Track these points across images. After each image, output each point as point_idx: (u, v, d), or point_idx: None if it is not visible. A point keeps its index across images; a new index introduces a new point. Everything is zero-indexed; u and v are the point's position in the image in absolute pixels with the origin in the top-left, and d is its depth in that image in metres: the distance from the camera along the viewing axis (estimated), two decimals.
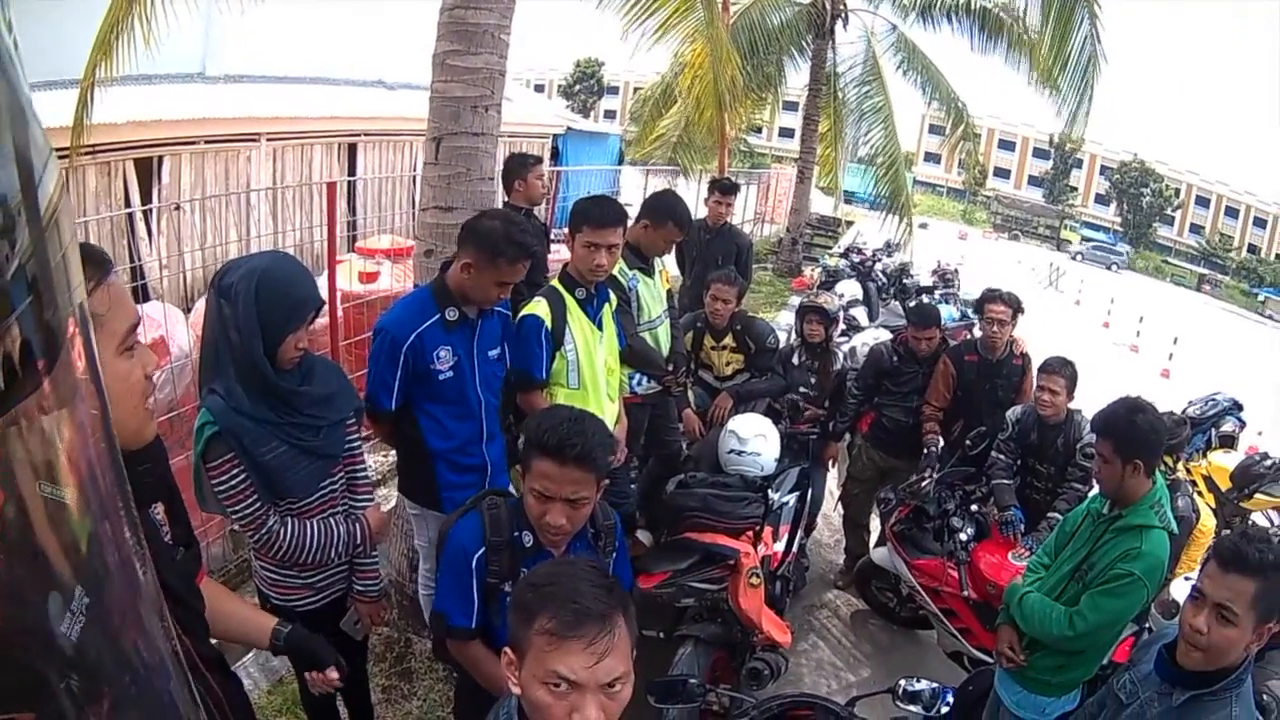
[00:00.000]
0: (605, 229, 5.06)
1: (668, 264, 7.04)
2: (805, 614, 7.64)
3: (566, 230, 5.40)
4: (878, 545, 7.57)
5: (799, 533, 6.67)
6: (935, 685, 4.12)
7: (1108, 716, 3.60)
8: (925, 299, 14.66)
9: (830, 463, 8.37)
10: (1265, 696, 4.34)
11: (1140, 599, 4.28)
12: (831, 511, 8.96)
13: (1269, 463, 9.94)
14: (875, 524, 7.97)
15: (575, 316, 5.20)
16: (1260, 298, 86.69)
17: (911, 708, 4.07)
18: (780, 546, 6.18)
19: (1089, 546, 4.49)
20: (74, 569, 1.38)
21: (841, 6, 22.82)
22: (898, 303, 16.15)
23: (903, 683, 4.12)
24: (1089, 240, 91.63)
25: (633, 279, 6.20)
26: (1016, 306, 7.42)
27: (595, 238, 5.05)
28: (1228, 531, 7.15)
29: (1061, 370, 6.53)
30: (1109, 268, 77.81)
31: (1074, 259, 76.39)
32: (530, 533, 3.38)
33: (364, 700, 4.84)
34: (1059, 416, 6.62)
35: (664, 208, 6.31)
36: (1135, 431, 4.28)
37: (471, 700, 3.45)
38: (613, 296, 5.60)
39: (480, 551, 3.38)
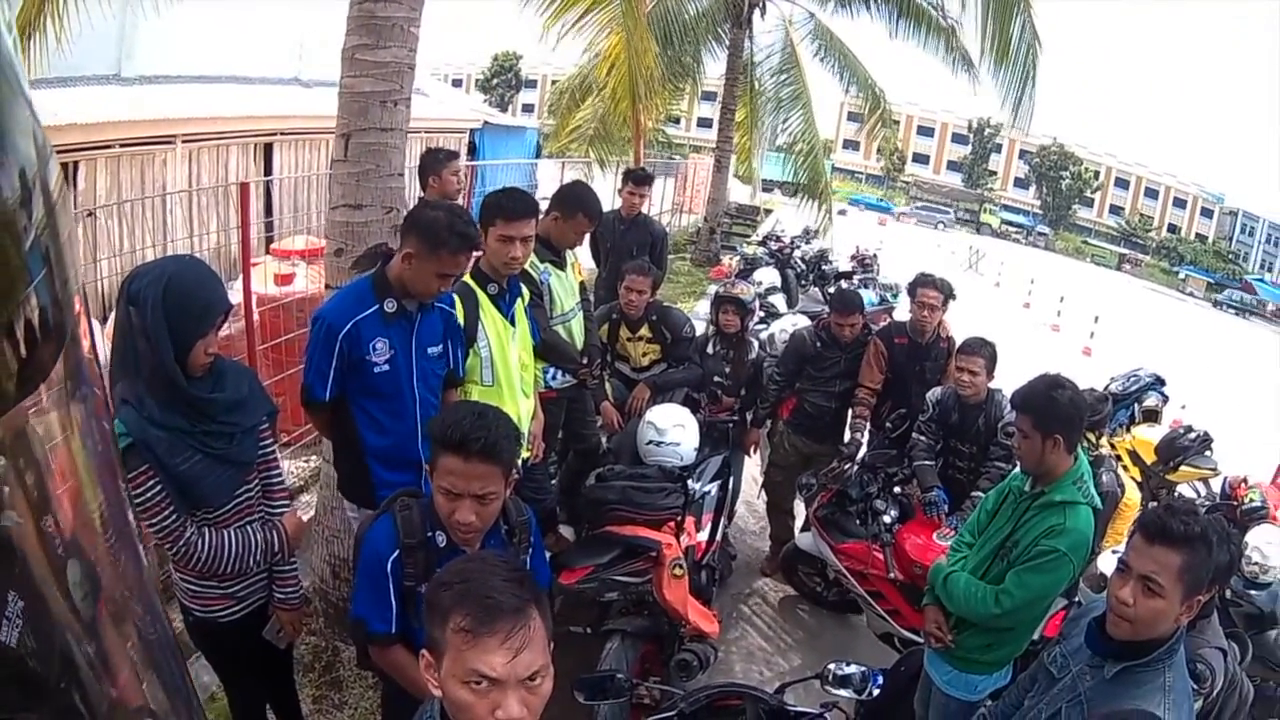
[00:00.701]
0: (519, 221, 4.99)
1: (580, 256, 6.99)
2: (733, 603, 7.63)
3: (479, 225, 5.24)
4: (803, 531, 7.62)
5: (722, 521, 6.66)
6: (865, 668, 4.11)
7: (1040, 691, 3.59)
8: (844, 284, 14.77)
9: (751, 450, 8.38)
10: (1199, 665, 4.36)
11: (1066, 575, 4.30)
12: (755, 499, 8.95)
13: (1193, 435, 10.12)
14: (800, 509, 7.95)
15: (488, 312, 5.13)
16: (1181, 275, 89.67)
17: (841, 691, 4.05)
18: (703, 536, 6.18)
19: (1012, 524, 4.51)
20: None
21: None
22: (817, 289, 16.38)
23: (832, 667, 4.09)
24: (1009, 224, 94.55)
25: (544, 272, 6.15)
26: (948, 292, 7.49)
27: (509, 230, 4.96)
28: (1154, 504, 7.24)
29: (980, 350, 6.58)
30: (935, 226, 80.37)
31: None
32: (443, 532, 3.34)
33: (294, 712, 4.75)
34: (979, 396, 6.66)
35: (574, 199, 6.29)
36: (1055, 407, 4.31)
37: (398, 706, 3.42)
38: (525, 291, 5.53)
39: (395, 554, 3.34)
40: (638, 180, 9.90)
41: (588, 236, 7.48)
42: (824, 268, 17.43)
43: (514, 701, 2.11)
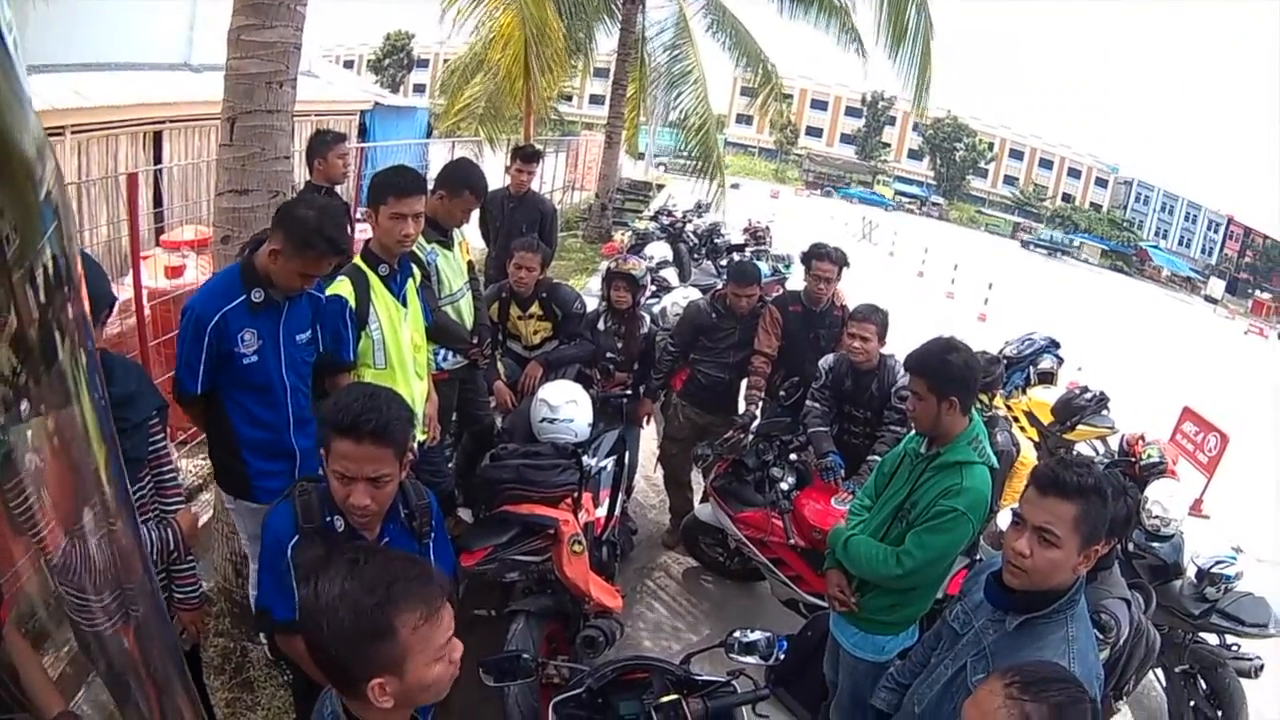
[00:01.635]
0: (410, 197, 4.95)
1: (470, 236, 6.96)
2: (637, 577, 7.67)
3: (367, 208, 5.26)
4: (702, 502, 7.66)
5: (620, 496, 6.67)
6: (769, 634, 4.12)
7: (945, 648, 3.64)
8: (736, 257, 14.77)
9: (645, 423, 8.39)
10: (1103, 616, 4.47)
11: (965, 534, 4.36)
12: (653, 473, 8.98)
13: (1089, 395, 10.46)
14: (698, 481, 8.05)
15: (379, 294, 5.08)
16: (1076, 243, 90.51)
17: (747, 658, 4.07)
18: (602, 512, 6.19)
19: (909, 486, 4.56)
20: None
21: None
22: (709, 263, 16.41)
23: (736, 634, 4.11)
24: (903, 194, 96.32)
25: (431, 253, 6.12)
26: (842, 262, 7.53)
27: (401, 207, 4.92)
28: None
29: (871, 317, 6.65)
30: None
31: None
32: (341, 517, 3.32)
33: (208, 716, 4.62)
34: (872, 362, 6.72)
35: (459, 176, 6.25)
36: (949, 369, 4.37)
37: (309, 697, 3.30)
38: (416, 271, 5.50)
39: (294, 540, 3.32)
40: (526, 157, 9.87)
41: (476, 215, 7.44)
42: (716, 241, 17.47)
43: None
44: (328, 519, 3.35)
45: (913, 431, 4.79)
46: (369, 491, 3.15)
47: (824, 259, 7.43)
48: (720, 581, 7.83)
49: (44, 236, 1.18)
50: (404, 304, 5.25)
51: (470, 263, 6.72)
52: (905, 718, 3.79)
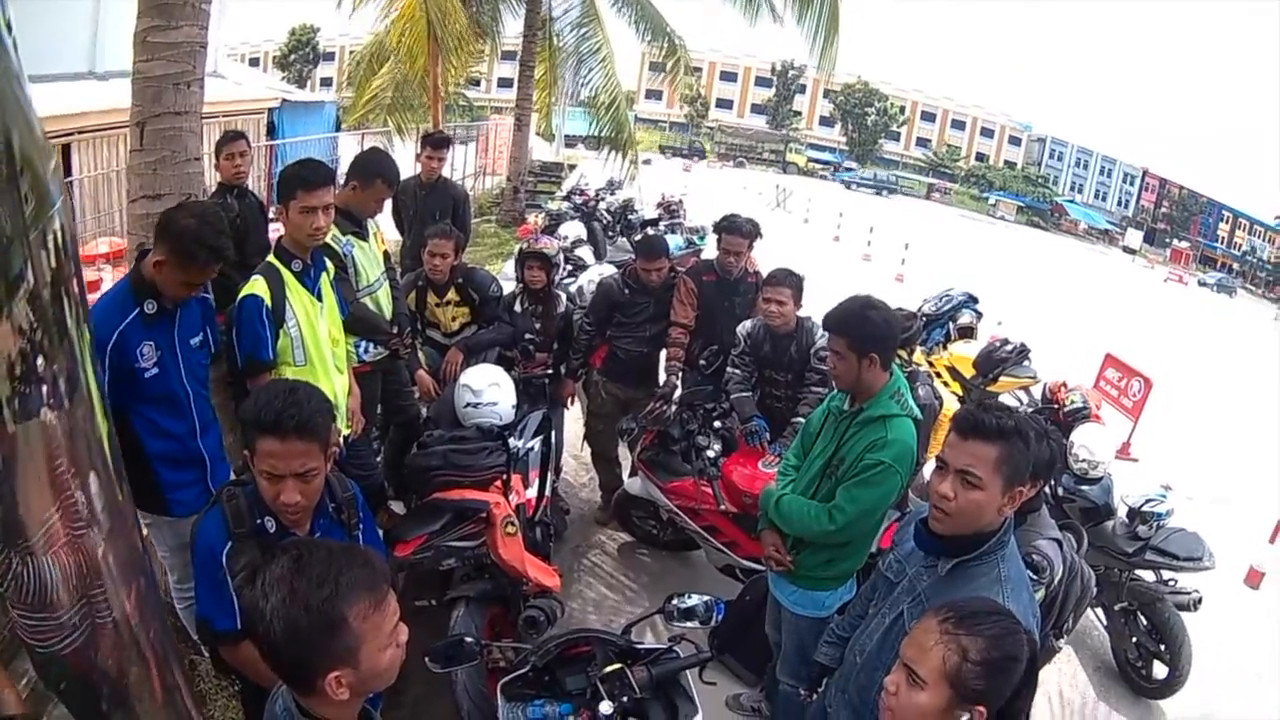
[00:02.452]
0: (319, 189, 4.95)
1: (385, 227, 6.95)
2: (573, 556, 7.70)
3: (277, 205, 5.22)
4: (631, 476, 7.70)
5: (549, 477, 6.69)
6: (707, 598, 4.16)
7: (881, 598, 3.68)
8: (651, 231, 14.85)
9: (568, 402, 8.40)
10: (1035, 557, 4.54)
11: (894, 485, 4.42)
12: (580, 452, 9.01)
13: (1010, 347, 10.54)
14: (625, 456, 8.09)
15: (294, 291, 5.05)
16: (991, 200, 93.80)
17: (687, 623, 4.12)
18: (532, 493, 6.19)
19: (836, 443, 4.62)
20: None
21: None
22: (624, 239, 16.45)
23: (674, 601, 4.15)
24: (816, 161, 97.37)
25: (347, 244, 6.09)
26: (752, 235, 7.54)
27: (310, 200, 4.92)
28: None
29: (786, 281, 6.68)
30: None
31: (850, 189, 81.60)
32: (272, 518, 3.32)
33: None
34: (789, 326, 6.76)
35: (370, 166, 6.25)
36: (868, 326, 4.42)
37: (258, 702, 3.29)
38: (329, 265, 5.48)
39: (227, 546, 3.30)
40: (435, 144, 9.85)
41: (389, 205, 7.41)
42: (630, 217, 17.59)
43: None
44: (259, 521, 3.34)
45: (835, 390, 4.84)
46: (298, 487, 3.16)
47: (734, 232, 7.44)
48: (656, 553, 7.89)
49: (53, 208, 1.23)
50: (319, 299, 5.23)
51: (386, 253, 6.70)
52: (847, 669, 3.83)
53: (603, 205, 18.25)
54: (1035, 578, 4.35)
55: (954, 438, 3.26)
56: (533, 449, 6.49)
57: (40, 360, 1.38)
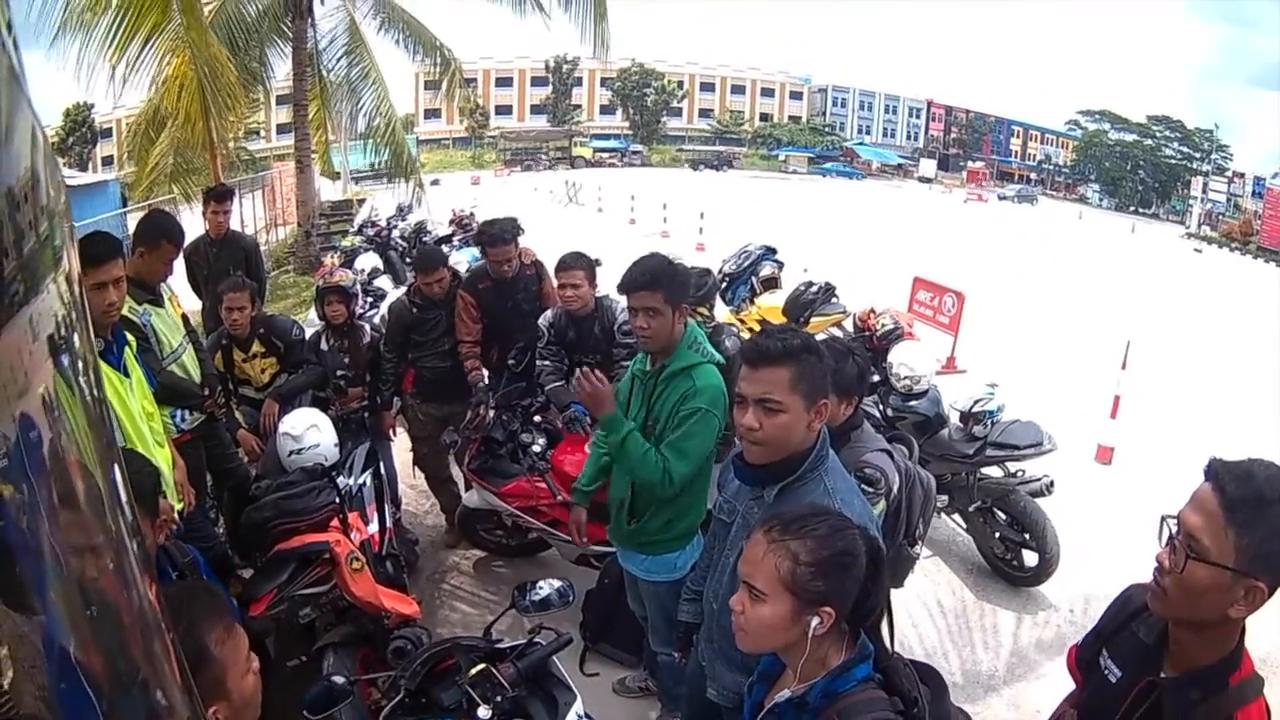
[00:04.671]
0: (106, 263, 4.83)
1: (180, 290, 6.92)
2: (430, 584, 7.70)
3: None
4: (467, 491, 7.73)
5: (388, 510, 6.71)
6: (557, 583, 4.26)
7: (720, 541, 3.78)
8: (446, 248, 14.89)
9: (391, 433, 8.39)
10: (866, 470, 4.54)
11: (713, 428, 4.53)
12: (416, 479, 8.96)
13: (815, 288, 10.91)
14: (460, 475, 8.09)
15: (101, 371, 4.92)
16: (781, 157, 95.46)
17: (544, 612, 4.20)
18: (374, 528, 6.22)
19: (646, 404, 4.75)
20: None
21: None
22: None
23: (528, 592, 4.24)
24: (603, 150, 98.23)
25: (144, 315, 5.98)
26: (514, 235, 7.52)
27: (100, 275, 4.78)
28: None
29: (577, 263, 6.82)
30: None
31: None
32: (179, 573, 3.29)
33: None
34: (588, 307, 6.92)
35: (153, 228, 6.19)
36: (678, 275, 4.71)
37: None
38: (131, 338, 5.36)
39: None
40: (219, 196, 9.78)
41: (184, 269, 7.31)
42: (424, 239, 17.29)
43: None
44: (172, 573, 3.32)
45: (637, 355, 5.02)
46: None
47: (497, 243, 7.41)
48: (511, 562, 7.92)
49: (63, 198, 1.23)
50: (126, 374, 5.14)
51: (185, 315, 6.61)
52: (709, 619, 3.93)
53: (395, 233, 18.34)
54: (871, 490, 4.41)
55: (746, 370, 3.34)
56: (364, 484, 6.55)
57: (77, 340, 1.34)
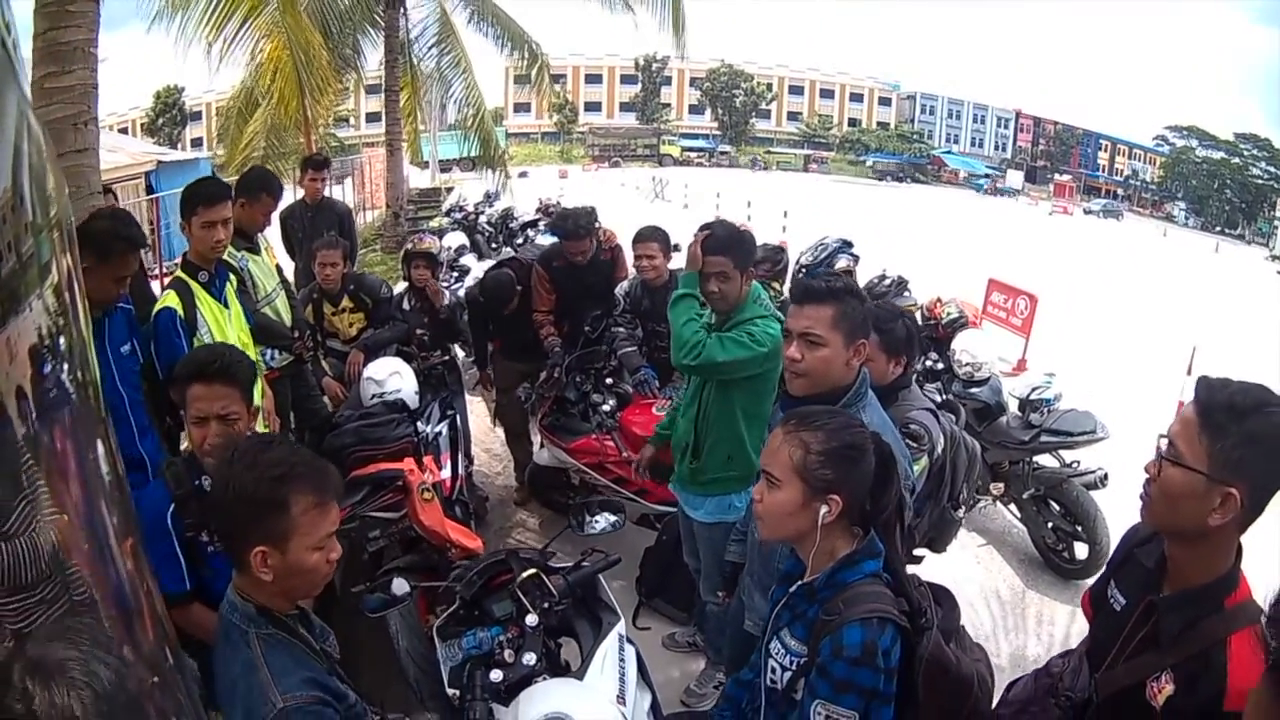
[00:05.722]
0: (218, 204, 5.33)
1: (273, 242, 7.31)
2: (497, 538, 7.80)
3: (181, 221, 5.54)
4: (540, 449, 7.91)
5: (461, 461, 6.97)
6: (611, 515, 4.71)
7: None
8: (530, 232, 15.79)
9: (487, 387, 8.73)
10: (912, 426, 4.65)
11: (759, 355, 4.68)
12: (490, 438, 9.23)
13: (888, 280, 10.97)
14: (536, 436, 8.19)
15: (204, 300, 5.37)
16: (869, 163, 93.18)
17: (595, 529, 4.80)
18: (446, 474, 6.36)
19: None
20: None
21: None
22: (509, 248, 16.47)
23: (584, 518, 4.72)
24: (690, 149, 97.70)
25: (242, 260, 6.40)
26: (588, 230, 7.56)
27: (211, 215, 5.28)
28: None
29: (653, 236, 7.10)
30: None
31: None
32: (209, 476, 3.55)
33: None
34: (663, 278, 7.15)
35: (254, 182, 6.65)
36: (745, 242, 4.89)
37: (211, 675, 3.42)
38: (232, 276, 5.78)
39: (170, 508, 3.57)
40: (316, 165, 10.21)
41: (279, 232, 7.73)
42: (510, 225, 17.79)
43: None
44: (197, 482, 3.64)
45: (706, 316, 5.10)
46: (220, 430, 3.55)
47: (572, 237, 7.56)
48: None
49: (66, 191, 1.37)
50: (226, 305, 5.56)
51: (278, 265, 7.03)
52: (751, 550, 4.21)
53: (483, 219, 18.57)
54: (915, 445, 4.53)
55: (793, 308, 3.65)
56: (441, 433, 6.78)
57: (63, 341, 1.52)
